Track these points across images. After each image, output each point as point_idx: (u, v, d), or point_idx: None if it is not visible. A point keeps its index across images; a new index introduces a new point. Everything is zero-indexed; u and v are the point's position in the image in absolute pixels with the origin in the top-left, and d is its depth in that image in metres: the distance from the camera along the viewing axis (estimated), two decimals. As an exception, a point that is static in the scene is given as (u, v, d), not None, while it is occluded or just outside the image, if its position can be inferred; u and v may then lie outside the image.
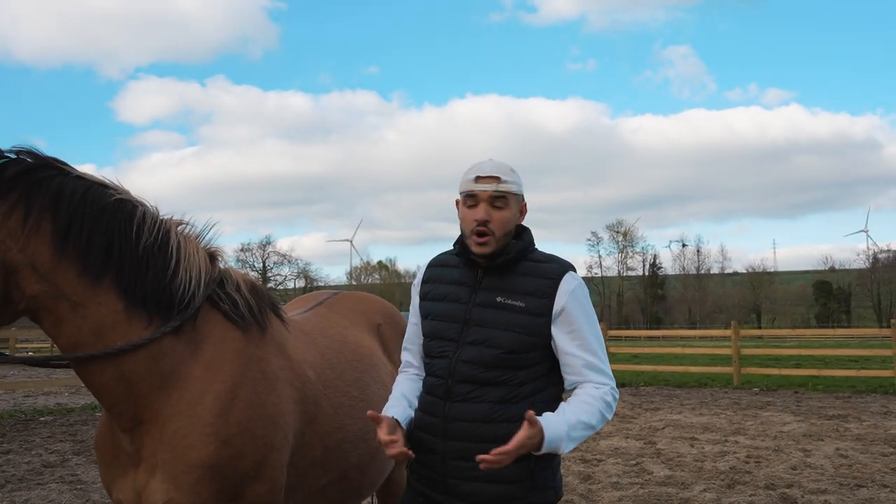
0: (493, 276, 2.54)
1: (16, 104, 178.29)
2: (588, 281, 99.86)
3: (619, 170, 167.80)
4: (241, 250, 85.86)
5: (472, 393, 2.43)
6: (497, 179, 2.48)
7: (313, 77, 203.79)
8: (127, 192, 2.64)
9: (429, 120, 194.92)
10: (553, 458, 2.50)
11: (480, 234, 2.48)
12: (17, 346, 29.82)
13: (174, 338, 2.54)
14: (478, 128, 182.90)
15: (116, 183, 2.64)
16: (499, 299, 2.50)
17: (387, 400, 3.32)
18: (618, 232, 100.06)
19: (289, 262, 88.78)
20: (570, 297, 2.46)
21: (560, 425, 2.31)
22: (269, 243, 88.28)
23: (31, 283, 2.41)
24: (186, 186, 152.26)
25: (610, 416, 2.44)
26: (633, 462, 8.95)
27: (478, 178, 2.50)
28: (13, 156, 2.49)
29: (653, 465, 8.75)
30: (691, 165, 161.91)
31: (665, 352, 26.71)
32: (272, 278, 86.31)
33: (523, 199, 2.58)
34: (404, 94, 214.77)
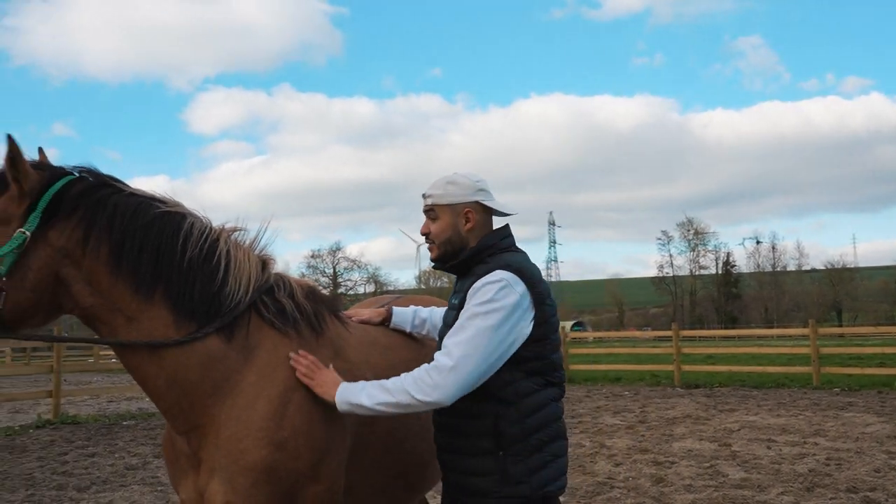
0: (458, 280, 2.81)
1: (90, 119, 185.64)
2: (659, 281, 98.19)
3: (690, 166, 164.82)
4: (312, 256, 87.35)
5: None
6: (425, 196, 2.81)
7: (377, 82, 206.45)
8: (177, 205, 2.71)
9: (493, 121, 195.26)
10: (530, 455, 2.58)
11: (427, 242, 2.82)
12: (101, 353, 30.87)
13: (226, 346, 2.60)
14: (543, 127, 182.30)
15: (167, 196, 2.73)
16: (452, 300, 2.79)
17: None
18: (689, 230, 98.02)
19: (358, 267, 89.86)
20: (471, 293, 2.60)
21: (352, 389, 2.57)
22: (338, 249, 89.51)
23: (84, 297, 2.55)
24: (256, 195, 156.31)
25: (420, 396, 2.49)
26: (707, 464, 8.76)
27: (422, 196, 2.82)
28: (76, 174, 2.62)
29: (728, 468, 8.54)
30: (765, 159, 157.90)
31: (741, 352, 26.06)
32: (343, 283, 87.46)
33: (467, 207, 2.75)
34: (468, 96, 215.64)
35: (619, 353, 25.99)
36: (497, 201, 2.82)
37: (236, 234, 2.80)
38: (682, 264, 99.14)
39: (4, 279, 2.45)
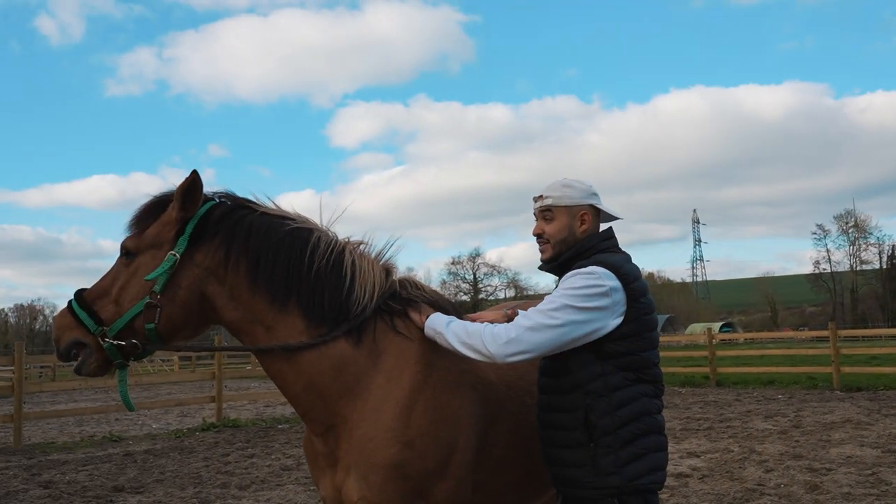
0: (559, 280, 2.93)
1: (242, 139, 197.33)
2: (816, 278, 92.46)
3: (847, 154, 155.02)
4: (453, 263, 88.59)
5: (541, 384, 2.89)
6: (541, 197, 2.93)
7: (511, 86, 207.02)
8: (305, 221, 2.94)
9: (631, 119, 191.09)
10: (621, 447, 2.64)
11: (539, 243, 2.94)
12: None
13: (355, 350, 2.79)
14: (684, 122, 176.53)
15: (295, 213, 2.96)
16: None
17: None
18: (847, 223, 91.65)
19: (498, 272, 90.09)
20: (562, 280, 2.77)
21: (440, 319, 2.82)
22: (478, 255, 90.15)
23: (228, 311, 2.82)
24: (397, 205, 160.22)
25: (491, 349, 2.65)
26: (869, 472, 8.24)
27: (533, 198, 2.97)
28: (216, 199, 2.91)
29: (892, 476, 8.00)
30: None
31: (909, 352, 24.18)
32: (483, 289, 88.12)
33: (583, 209, 2.90)
34: (604, 95, 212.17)
35: (772, 355, 24.81)
36: (605, 206, 2.96)
37: (362, 246, 2.99)
38: (840, 259, 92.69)
39: (159, 297, 2.75)
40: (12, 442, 12.99)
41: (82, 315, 2.77)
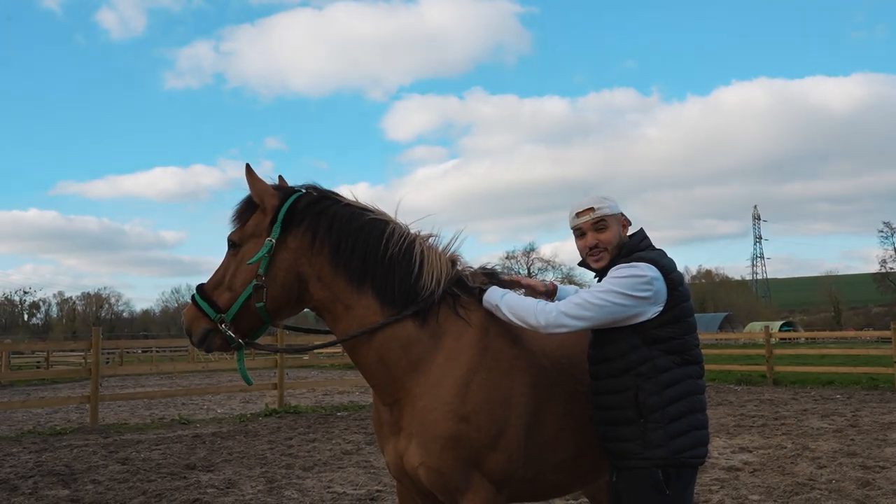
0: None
1: (298, 132, 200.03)
2: (882, 277, 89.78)
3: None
4: (507, 258, 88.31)
5: (593, 371, 3.20)
6: (592, 210, 3.20)
7: (568, 79, 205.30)
8: (382, 214, 3.29)
9: (692, 111, 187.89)
10: (669, 423, 2.94)
11: (595, 254, 3.21)
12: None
13: (420, 330, 3.13)
14: (746, 115, 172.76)
15: (373, 206, 3.30)
16: None
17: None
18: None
19: (553, 267, 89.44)
20: (610, 272, 3.08)
21: (497, 292, 3.19)
22: (532, 250, 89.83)
23: (317, 290, 3.18)
24: (451, 198, 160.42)
25: (540, 320, 3.02)
26: (923, 470, 8.24)
27: (577, 214, 3.24)
28: (303, 190, 3.26)
29: (947, 475, 7.99)
30: None
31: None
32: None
33: (622, 215, 3.25)
34: (664, 87, 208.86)
35: (832, 355, 24.35)
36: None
37: (431, 239, 3.33)
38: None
39: (264, 278, 3.14)
40: (89, 421, 13.77)
41: (203, 305, 3.17)
